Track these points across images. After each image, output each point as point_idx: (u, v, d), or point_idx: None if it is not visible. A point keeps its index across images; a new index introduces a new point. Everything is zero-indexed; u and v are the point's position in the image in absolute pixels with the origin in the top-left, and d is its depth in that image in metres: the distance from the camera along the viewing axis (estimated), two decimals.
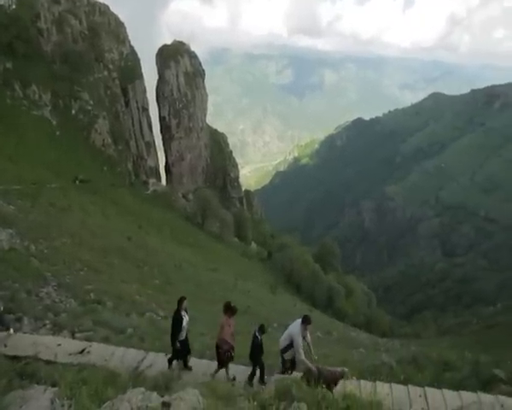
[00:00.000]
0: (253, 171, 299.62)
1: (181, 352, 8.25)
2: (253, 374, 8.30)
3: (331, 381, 6.88)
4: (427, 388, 7.72)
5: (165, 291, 19.34)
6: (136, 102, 63.31)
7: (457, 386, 8.00)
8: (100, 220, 29.57)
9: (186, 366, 8.47)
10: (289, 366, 8.18)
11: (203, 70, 74.61)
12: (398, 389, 7.72)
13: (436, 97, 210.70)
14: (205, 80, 74.48)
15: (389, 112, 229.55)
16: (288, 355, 8.04)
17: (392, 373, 9.46)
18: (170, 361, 8.30)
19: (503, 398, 6.93)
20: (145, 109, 65.26)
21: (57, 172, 36.72)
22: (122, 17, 67.10)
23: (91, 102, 51.98)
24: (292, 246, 56.36)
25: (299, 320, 8.04)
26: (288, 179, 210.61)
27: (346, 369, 7.55)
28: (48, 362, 7.31)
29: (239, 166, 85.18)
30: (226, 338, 8.01)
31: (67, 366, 7.06)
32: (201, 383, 6.79)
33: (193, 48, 74.73)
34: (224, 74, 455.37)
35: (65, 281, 13.43)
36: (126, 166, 56.29)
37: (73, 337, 9.53)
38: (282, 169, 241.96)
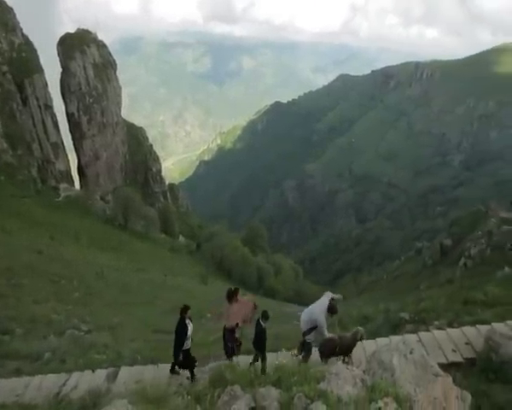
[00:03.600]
0: (176, 163, 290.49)
1: (184, 362, 7.71)
2: (255, 361, 8.08)
3: (348, 349, 7.09)
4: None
5: (87, 303, 18.25)
6: (37, 99, 55.84)
7: (374, 334, 9.29)
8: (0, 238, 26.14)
9: (193, 378, 7.79)
10: (308, 348, 7.90)
11: (114, 60, 68.99)
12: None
13: (343, 79, 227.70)
14: (117, 71, 69.14)
15: (304, 94, 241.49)
16: (309, 338, 7.79)
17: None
18: (172, 368, 7.75)
19: (407, 336, 8.36)
20: (48, 107, 57.98)
21: None
22: (9, 2, 57.79)
23: None
24: (220, 234, 56.88)
25: (323, 301, 7.72)
26: (213, 168, 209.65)
27: (360, 328, 7.78)
28: None
29: (161, 160, 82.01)
30: (232, 328, 7.68)
31: None
32: (131, 391, 6.81)
33: (101, 36, 67.94)
34: (139, 64, 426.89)
35: None
36: (30, 172, 50.06)
37: None
38: (205, 158, 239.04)
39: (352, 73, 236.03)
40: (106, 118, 64.69)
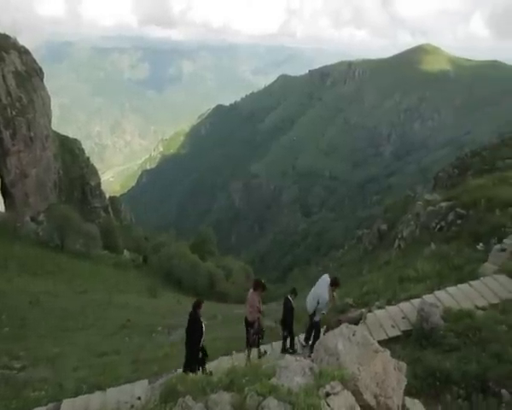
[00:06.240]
0: (116, 175, 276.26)
1: (201, 360, 7.52)
2: (285, 340, 8.25)
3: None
4: (301, 335, 9.31)
5: (20, 337, 16.39)
6: None
7: (323, 322, 9.59)
8: None
9: (204, 372, 7.47)
10: (317, 329, 8.09)
11: (40, 68, 62.89)
12: (278, 345, 9.17)
13: (283, 79, 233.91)
14: (45, 80, 63.28)
15: (246, 96, 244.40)
16: (316, 318, 8.03)
17: (273, 333, 10.60)
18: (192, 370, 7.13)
19: None
20: None
21: None
22: None
23: None
24: (168, 243, 54.80)
25: (325, 279, 7.92)
26: (156, 176, 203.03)
27: (363, 310, 8.18)
28: None
29: (99, 173, 76.78)
30: (253, 317, 7.78)
31: None
32: None
33: (22, 41, 61.39)
34: (70, 72, 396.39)
35: None
36: None
37: None
38: (148, 167, 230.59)
39: (291, 74, 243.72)
40: (33, 131, 58.96)
